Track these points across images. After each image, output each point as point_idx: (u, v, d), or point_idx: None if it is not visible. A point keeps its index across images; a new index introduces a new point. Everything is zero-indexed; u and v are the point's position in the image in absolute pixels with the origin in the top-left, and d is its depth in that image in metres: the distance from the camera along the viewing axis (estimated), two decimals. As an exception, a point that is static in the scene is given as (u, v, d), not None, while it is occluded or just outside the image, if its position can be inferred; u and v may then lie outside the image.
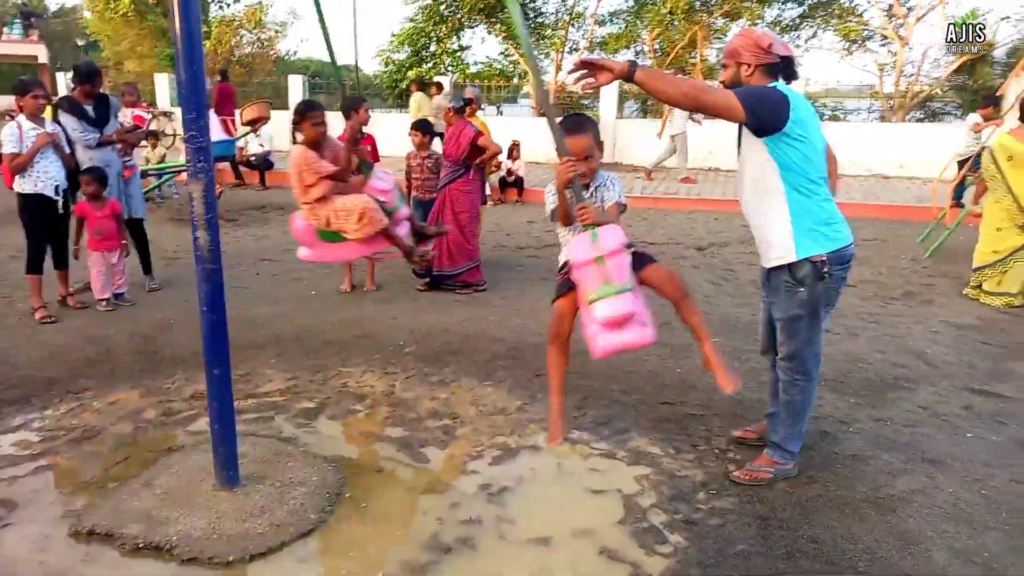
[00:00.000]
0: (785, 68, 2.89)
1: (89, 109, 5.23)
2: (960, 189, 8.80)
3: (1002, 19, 15.69)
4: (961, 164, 9.28)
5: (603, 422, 3.69)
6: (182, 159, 10.60)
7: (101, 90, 5.42)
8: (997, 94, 9.38)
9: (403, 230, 4.48)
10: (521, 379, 4.23)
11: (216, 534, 2.68)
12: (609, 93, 14.26)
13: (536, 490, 3.11)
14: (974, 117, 9.67)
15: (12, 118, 5.10)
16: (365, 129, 5.90)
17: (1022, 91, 7.14)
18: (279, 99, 15.86)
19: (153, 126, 11.47)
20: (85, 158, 5.26)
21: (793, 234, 2.84)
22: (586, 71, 2.64)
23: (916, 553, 2.61)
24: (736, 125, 2.91)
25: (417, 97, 13.76)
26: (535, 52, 3.49)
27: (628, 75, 2.60)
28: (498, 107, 17.99)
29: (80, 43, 36.22)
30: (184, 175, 10.74)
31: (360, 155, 4.35)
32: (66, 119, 5.16)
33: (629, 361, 4.39)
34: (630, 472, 3.22)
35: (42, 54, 26.08)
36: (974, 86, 15.79)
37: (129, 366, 4.35)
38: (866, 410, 3.81)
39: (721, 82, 3.04)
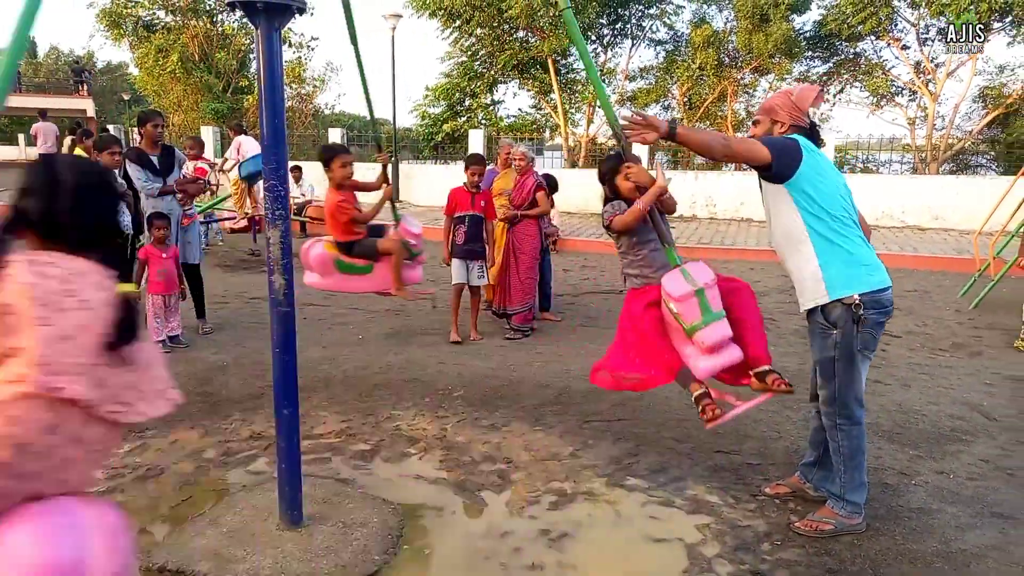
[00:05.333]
0: (810, 135, 3.02)
1: (155, 159, 5.46)
2: None
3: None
4: None
5: (658, 469, 3.67)
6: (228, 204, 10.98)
7: (166, 142, 5.67)
8: None
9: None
10: (571, 425, 4.23)
11: (283, 573, 2.70)
12: (640, 146, 14.50)
13: (596, 536, 3.09)
14: None
15: None
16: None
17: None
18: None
19: (213, 179, 11.80)
20: (148, 206, 5.47)
21: (823, 276, 2.87)
22: (636, 127, 2.80)
23: (996, 609, 2.55)
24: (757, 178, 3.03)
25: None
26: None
27: (670, 133, 2.80)
28: (530, 158, 18.32)
29: (125, 97, 37.88)
30: (227, 223, 11.03)
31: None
32: (132, 168, 5.39)
33: (680, 409, 4.38)
34: (690, 521, 3.19)
35: (90, 108, 27.43)
36: (1008, 139, 15.79)
37: (187, 406, 4.42)
38: (926, 462, 3.75)
39: (752, 136, 3.16)
